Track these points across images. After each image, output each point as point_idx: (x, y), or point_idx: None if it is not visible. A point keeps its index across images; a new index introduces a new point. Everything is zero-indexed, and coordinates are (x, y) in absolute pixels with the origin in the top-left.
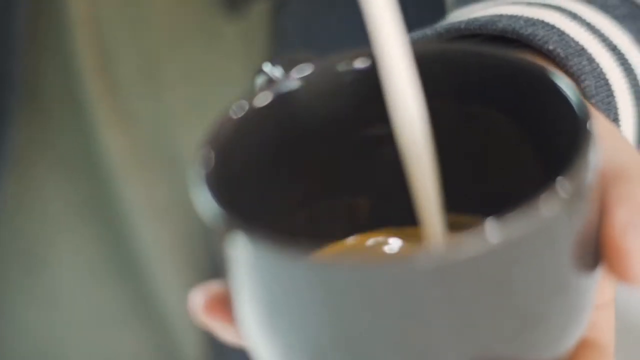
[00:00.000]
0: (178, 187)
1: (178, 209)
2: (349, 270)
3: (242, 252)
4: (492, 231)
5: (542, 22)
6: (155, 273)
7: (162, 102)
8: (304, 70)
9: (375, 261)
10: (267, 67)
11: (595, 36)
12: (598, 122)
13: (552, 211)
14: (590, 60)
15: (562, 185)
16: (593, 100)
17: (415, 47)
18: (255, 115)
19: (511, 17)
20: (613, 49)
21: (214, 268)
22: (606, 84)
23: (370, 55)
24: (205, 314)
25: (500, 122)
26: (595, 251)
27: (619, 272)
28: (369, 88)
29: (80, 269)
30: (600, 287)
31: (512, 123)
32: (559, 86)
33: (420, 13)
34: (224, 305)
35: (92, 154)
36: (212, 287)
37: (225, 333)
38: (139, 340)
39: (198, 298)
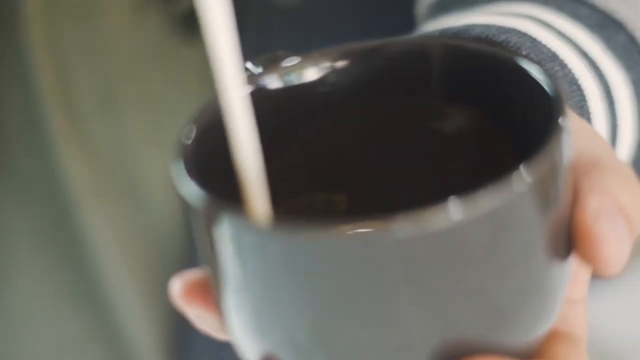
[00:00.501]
0: (137, 212)
1: (138, 233)
2: (322, 241)
3: (222, 229)
4: (456, 207)
5: (515, 29)
6: (116, 297)
7: (120, 127)
8: (284, 66)
9: (347, 233)
10: (249, 65)
11: (567, 43)
12: (572, 118)
13: (514, 190)
14: (563, 65)
15: (528, 166)
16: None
17: (398, 41)
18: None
19: (484, 25)
20: (584, 55)
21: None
22: (579, 89)
23: (350, 52)
24: (184, 300)
25: (477, 113)
26: (568, 240)
27: (590, 258)
28: (346, 85)
29: (40, 292)
30: (573, 283)
31: (489, 114)
32: (535, 76)
33: (389, 27)
34: (202, 291)
35: (52, 178)
36: (190, 275)
37: (202, 322)
38: None
39: (176, 285)
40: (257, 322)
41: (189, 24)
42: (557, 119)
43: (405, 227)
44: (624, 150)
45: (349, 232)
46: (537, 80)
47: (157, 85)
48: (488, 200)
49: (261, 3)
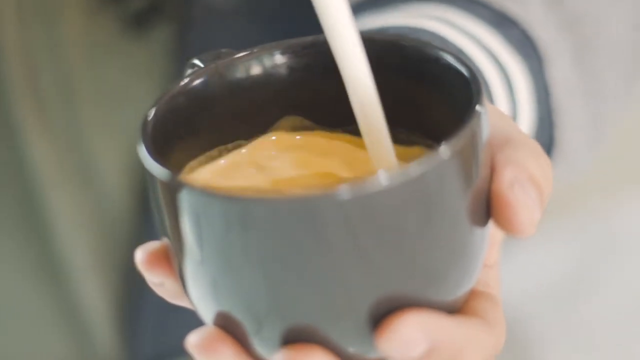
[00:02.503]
0: (94, 194)
1: (95, 213)
2: (271, 206)
3: (181, 200)
4: (387, 174)
5: (423, 29)
6: (73, 271)
7: (78, 116)
8: (225, 60)
9: (293, 197)
10: (196, 60)
11: (470, 39)
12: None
13: (438, 160)
14: (468, 59)
15: (450, 140)
16: None
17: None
18: (182, 94)
19: (397, 27)
20: (487, 50)
21: (133, 269)
22: (484, 81)
23: (288, 48)
24: (146, 267)
25: (416, 92)
26: (486, 208)
27: (506, 222)
28: (284, 77)
29: (5, 271)
30: (489, 250)
31: (415, 99)
32: (455, 64)
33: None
34: (162, 259)
35: (18, 163)
36: (152, 245)
37: (161, 289)
38: (60, 341)
39: (139, 254)
40: (213, 288)
41: (141, 22)
42: (475, 100)
43: (343, 192)
44: (524, 131)
45: (295, 197)
46: (457, 67)
47: (112, 78)
48: (415, 168)
49: (204, 5)
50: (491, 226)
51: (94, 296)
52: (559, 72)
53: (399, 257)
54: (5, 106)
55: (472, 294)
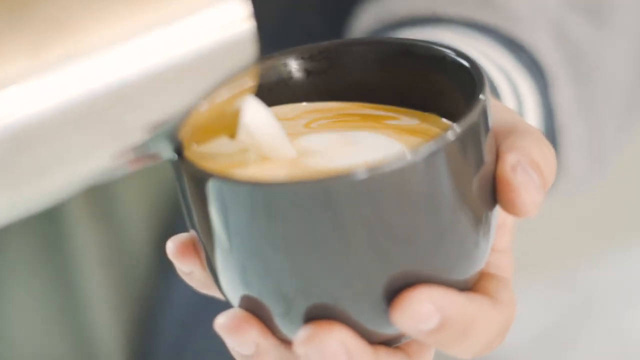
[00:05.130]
0: (116, 232)
1: (116, 253)
2: (287, 190)
3: (209, 191)
4: (401, 156)
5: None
6: (95, 309)
7: None
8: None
9: (307, 180)
10: None
11: (484, 57)
12: (491, 98)
13: (446, 140)
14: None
15: (457, 125)
16: None
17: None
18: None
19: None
20: (499, 67)
21: (149, 304)
22: (495, 92)
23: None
24: (176, 257)
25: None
26: (492, 192)
27: (510, 203)
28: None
29: (29, 306)
30: (500, 236)
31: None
32: (462, 61)
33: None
34: (192, 248)
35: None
36: (182, 236)
37: (191, 278)
38: None
39: (170, 245)
40: (240, 273)
41: None
42: (478, 89)
43: (359, 173)
44: None
45: (313, 181)
46: (460, 61)
47: None
48: (426, 148)
49: None
50: (499, 210)
51: (111, 328)
52: (563, 97)
53: (413, 236)
54: None
55: (483, 275)
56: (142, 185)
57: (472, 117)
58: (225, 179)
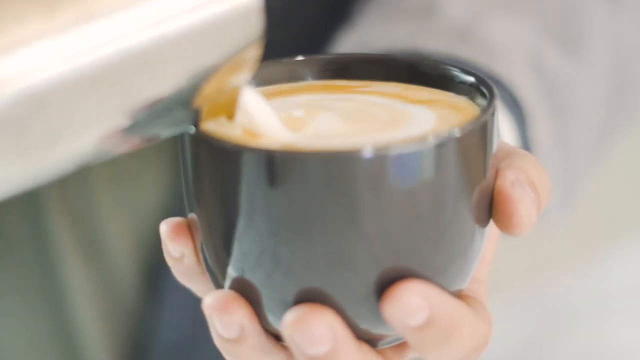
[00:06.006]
0: (106, 269)
1: (106, 287)
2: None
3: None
4: (408, 140)
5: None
6: (86, 343)
7: (94, 197)
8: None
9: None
10: None
11: None
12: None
13: (450, 136)
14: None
15: (463, 124)
16: None
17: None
18: None
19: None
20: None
21: (138, 338)
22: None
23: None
24: (170, 236)
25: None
26: (489, 209)
27: (507, 218)
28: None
29: (20, 336)
30: (479, 266)
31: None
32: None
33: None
34: (184, 230)
35: (40, 236)
36: (174, 219)
37: (179, 265)
38: None
39: (164, 226)
40: (235, 253)
41: None
42: (491, 97)
43: (369, 150)
44: None
45: (314, 153)
46: (471, 80)
47: (124, 162)
48: (431, 138)
49: None
50: (489, 230)
51: (101, 358)
52: (539, 131)
53: (412, 229)
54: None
55: (464, 297)
56: (128, 218)
57: (487, 114)
58: (227, 144)
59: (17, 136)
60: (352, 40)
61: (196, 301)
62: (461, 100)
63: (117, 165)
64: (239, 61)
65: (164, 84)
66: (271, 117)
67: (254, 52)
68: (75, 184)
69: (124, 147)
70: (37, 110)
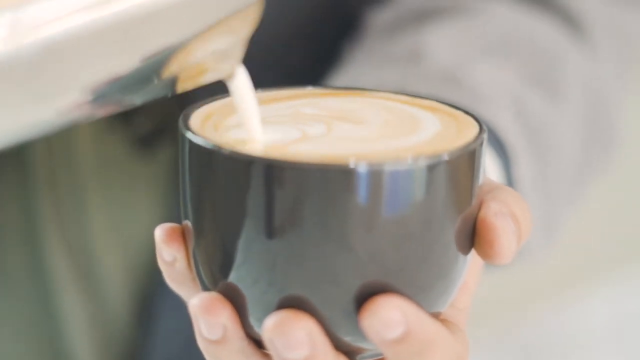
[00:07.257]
0: (100, 297)
1: (100, 315)
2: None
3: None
4: (398, 158)
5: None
6: None
7: (89, 226)
8: None
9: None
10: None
11: None
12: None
13: (440, 159)
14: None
15: (452, 150)
16: None
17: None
18: None
19: None
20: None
21: None
22: None
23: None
24: (164, 240)
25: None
26: (471, 237)
27: (489, 247)
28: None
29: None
30: (460, 294)
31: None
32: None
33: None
34: (178, 235)
35: (37, 265)
36: (168, 224)
37: (171, 271)
38: None
39: (158, 231)
40: (228, 259)
41: (146, 144)
42: (481, 131)
43: (360, 165)
44: None
45: (308, 164)
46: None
47: (119, 192)
48: (422, 160)
49: None
50: (471, 258)
51: None
52: (522, 173)
53: (396, 244)
54: (30, 214)
55: (444, 322)
56: (122, 249)
57: (476, 143)
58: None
59: (29, 84)
60: (342, 83)
61: (187, 329)
62: (458, 112)
63: (111, 198)
64: (228, 26)
65: (169, 37)
66: (259, 123)
67: (244, 19)
68: (72, 216)
69: (126, 102)
70: (53, 59)
